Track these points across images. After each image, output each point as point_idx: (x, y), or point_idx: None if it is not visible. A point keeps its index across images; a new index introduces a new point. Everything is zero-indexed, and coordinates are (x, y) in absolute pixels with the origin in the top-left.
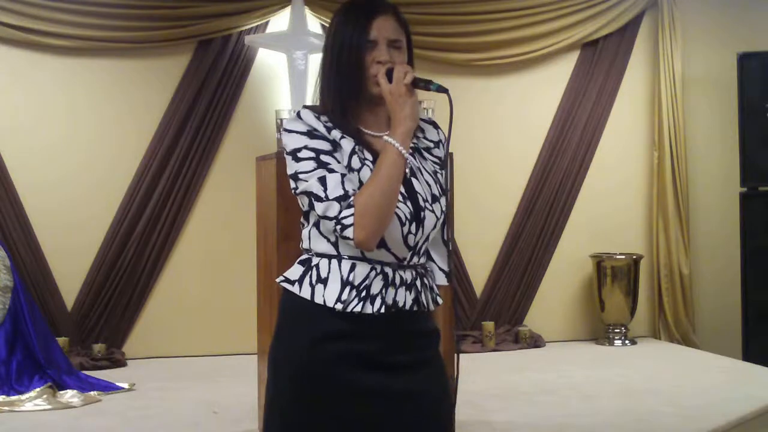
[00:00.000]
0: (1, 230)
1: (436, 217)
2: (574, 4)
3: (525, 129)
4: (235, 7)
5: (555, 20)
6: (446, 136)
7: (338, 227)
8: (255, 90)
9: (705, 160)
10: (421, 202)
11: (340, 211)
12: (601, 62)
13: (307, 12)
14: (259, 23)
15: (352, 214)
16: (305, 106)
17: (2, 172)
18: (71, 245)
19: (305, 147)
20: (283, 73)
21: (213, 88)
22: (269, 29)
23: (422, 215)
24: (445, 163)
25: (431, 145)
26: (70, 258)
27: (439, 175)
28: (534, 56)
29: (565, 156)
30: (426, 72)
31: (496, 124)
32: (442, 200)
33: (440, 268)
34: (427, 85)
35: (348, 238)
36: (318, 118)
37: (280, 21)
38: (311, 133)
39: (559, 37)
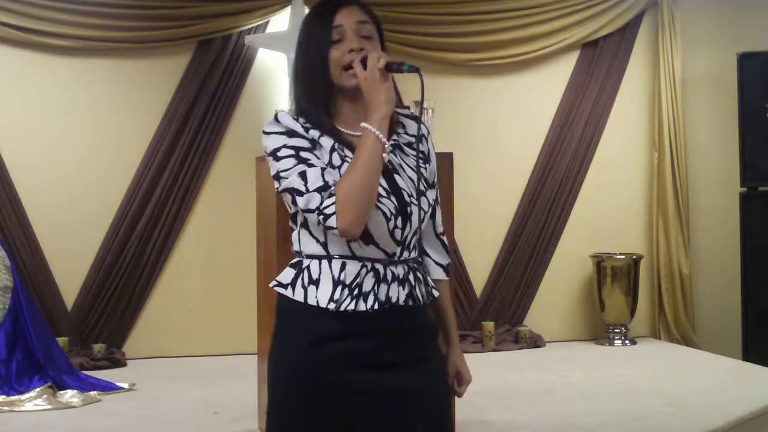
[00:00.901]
0: (1, 230)
1: (423, 211)
2: (574, 4)
3: (525, 129)
4: (235, 7)
5: (555, 20)
6: (428, 128)
7: (321, 217)
8: (255, 90)
9: (705, 160)
10: (406, 197)
11: (322, 201)
12: (601, 62)
13: (307, 12)
14: (259, 23)
15: (333, 203)
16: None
17: (2, 172)
18: (71, 245)
19: (284, 146)
20: (283, 73)
21: (213, 88)
22: (269, 29)
23: (408, 210)
24: (429, 155)
25: (412, 140)
26: (70, 258)
27: (422, 170)
28: (534, 56)
29: (565, 156)
30: (426, 72)
31: (496, 124)
32: (429, 194)
33: (437, 263)
34: (399, 67)
35: (332, 228)
36: (296, 120)
37: (280, 21)
38: (290, 133)
39: (559, 37)
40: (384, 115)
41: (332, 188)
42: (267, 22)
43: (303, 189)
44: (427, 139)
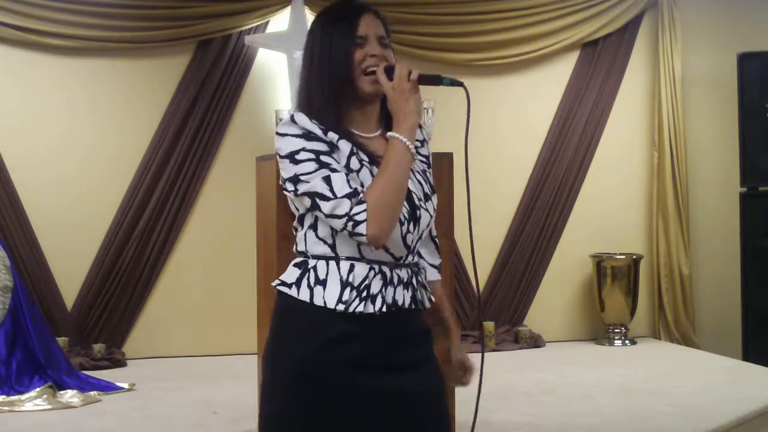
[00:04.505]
0: (1, 230)
1: (430, 215)
2: (574, 4)
3: (525, 129)
4: (235, 7)
5: (555, 20)
6: (429, 130)
7: (350, 224)
8: (255, 90)
9: (705, 160)
10: (416, 201)
11: (351, 208)
12: (601, 62)
13: (307, 12)
14: (259, 23)
15: (364, 210)
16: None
17: (2, 172)
18: (71, 245)
19: (303, 149)
20: (283, 73)
21: (213, 88)
22: (269, 29)
23: (418, 214)
24: (429, 161)
25: (418, 144)
26: (70, 258)
27: (427, 174)
28: (534, 56)
29: (565, 156)
30: (426, 72)
31: (496, 124)
32: (434, 198)
33: (430, 264)
34: (437, 80)
35: (360, 234)
36: (312, 121)
37: (280, 21)
38: (308, 136)
39: (559, 37)
40: (413, 125)
41: (361, 195)
42: (267, 22)
43: (329, 194)
44: (427, 144)
